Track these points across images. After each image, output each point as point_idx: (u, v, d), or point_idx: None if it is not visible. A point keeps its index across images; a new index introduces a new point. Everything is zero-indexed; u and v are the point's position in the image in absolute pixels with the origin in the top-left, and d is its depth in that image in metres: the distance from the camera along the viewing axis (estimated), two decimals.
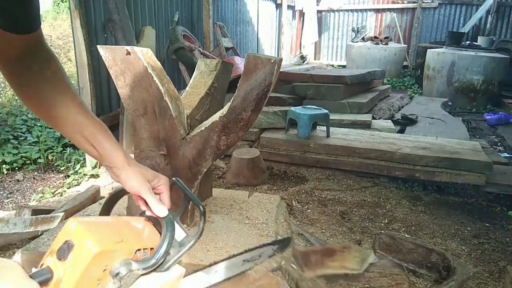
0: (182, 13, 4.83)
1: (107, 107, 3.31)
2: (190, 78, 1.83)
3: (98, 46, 1.45)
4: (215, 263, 1.00)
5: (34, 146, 3.74)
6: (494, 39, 7.38)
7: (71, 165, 3.33)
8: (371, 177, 2.97)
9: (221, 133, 1.47)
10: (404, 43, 8.93)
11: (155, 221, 0.79)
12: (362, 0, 9.67)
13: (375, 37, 8.29)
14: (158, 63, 1.48)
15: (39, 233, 1.79)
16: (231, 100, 1.44)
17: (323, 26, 10.16)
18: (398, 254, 1.76)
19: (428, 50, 6.38)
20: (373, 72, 5.20)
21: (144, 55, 1.40)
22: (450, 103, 5.49)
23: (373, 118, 4.22)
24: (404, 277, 1.67)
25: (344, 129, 3.57)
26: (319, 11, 10.01)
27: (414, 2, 8.95)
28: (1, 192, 2.99)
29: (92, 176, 3.11)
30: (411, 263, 1.74)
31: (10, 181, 3.18)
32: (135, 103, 1.49)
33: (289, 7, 9.20)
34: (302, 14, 9.90)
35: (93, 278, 0.63)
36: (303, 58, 8.70)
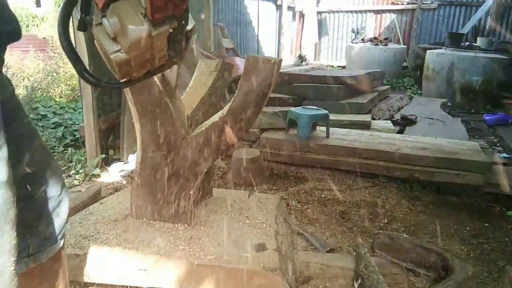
0: None
1: (108, 108, 3.31)
2: (191, 78, 1.84)
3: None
4: None
5: None
6: (493, 40, 7.39)
7: (72, 165, 3.34)
8: (371, 177, 2.98)
9: (221, 133, 1.49)
10: (404, 44, 8.95)
11: None
12: (362, 1, 9.70)
13: (375, 38, 8.32)
14: None
15: None
16: (231, 101, 1.45)
17: (323, 27, 10.19)
18: (396, 254, 1.77)
19: (428, 51, 6.39)
20: (372, 73, 5.22)
21: None
22: (450, 104, 5.50)
23: (373, 118, 4.23)
24: (403, 276, 1.68)
25: (344, 129, 3.58)
26: (319, 12, 10.04)
27: (413, 3, 8.98)
28: None
29: (93, 176, 3.12)
30: (409, 263, 1.75)
31: None
32: (136, 103, 1.51)
33: (289, 8, 9.24)
34: (302, 15, 9.93)
35: None
36: (303, 58, 8.73)
